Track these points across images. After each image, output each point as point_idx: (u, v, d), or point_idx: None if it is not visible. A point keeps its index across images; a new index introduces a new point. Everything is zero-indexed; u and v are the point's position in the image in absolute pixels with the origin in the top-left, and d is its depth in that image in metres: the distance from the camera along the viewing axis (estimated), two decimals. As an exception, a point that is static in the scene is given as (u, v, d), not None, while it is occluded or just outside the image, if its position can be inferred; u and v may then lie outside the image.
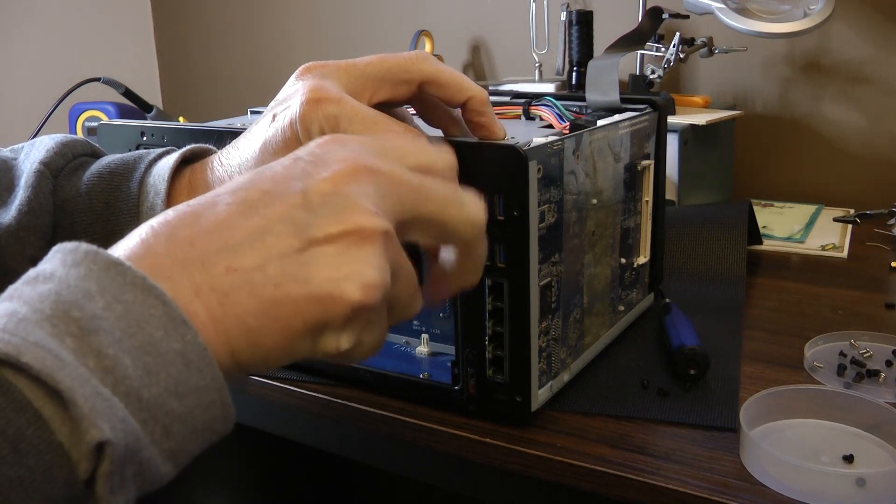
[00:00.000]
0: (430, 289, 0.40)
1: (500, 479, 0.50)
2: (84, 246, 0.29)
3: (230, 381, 0.30)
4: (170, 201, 0.44)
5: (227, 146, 0.45)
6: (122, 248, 0.31)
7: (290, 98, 0.42)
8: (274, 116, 0.42)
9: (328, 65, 0.44)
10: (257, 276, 0.31)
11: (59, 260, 0.29)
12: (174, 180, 0.45)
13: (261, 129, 0.43)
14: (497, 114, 0.62)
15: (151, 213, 0.44)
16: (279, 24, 1.57)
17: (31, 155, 0.48)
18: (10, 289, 0.28)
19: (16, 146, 0.51)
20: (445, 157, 0.39)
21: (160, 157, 0.46)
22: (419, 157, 0.37)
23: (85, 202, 0.46)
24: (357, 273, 0.32)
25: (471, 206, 0.37)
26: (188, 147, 0.47)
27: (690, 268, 0.77)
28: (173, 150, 0.47)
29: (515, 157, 0.45)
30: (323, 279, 0.31)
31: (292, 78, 0.44)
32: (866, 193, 1.06)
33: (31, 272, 0.29)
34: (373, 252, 0.32)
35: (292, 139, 0.41)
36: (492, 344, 0.49)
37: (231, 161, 0.44)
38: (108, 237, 0.45)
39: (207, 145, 0.48)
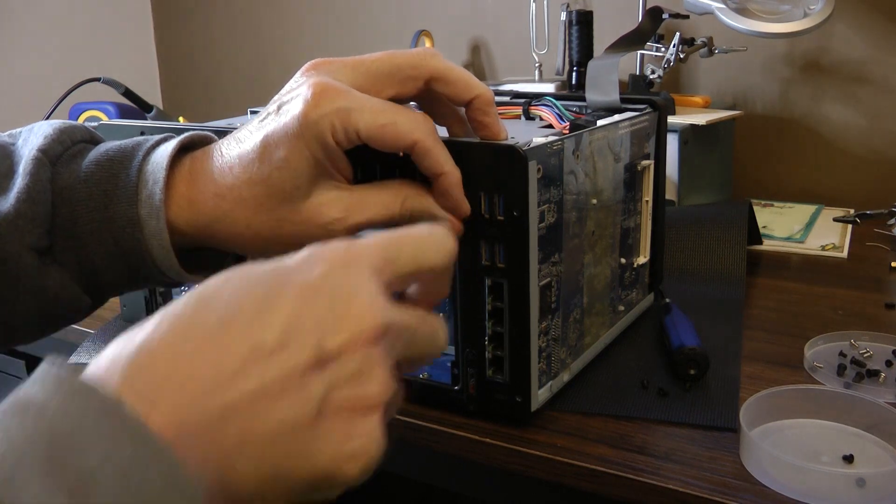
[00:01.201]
0: None
1: (500, 479, 0.50)
2: (79, 382, 0.26)
3: None
4: (168, 189, 0.44)
5: (227, 136, 0.45)
6: (130, 392, 0.27)
7: (296, 91, 0.42)
8: (279, 108, 0.42)
9: (335, 61, 0.44)
10: (268, 451, 0.29)
11: (53, 386, 0.26)
12: (173, 168, 0.45)
13: (264, 122, 0.43)
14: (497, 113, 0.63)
15: (150, 201, 0.44)
16: (279, 24, 1.57)
17: (29, 141, 0.48)
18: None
19: (14, 131, 0.50)
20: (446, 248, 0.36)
21: (158, 143, 0.46)
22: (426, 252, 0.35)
23: (83, 190, 0.45)
24: (361, 452, 0.31)
25: (445, 240, 0.36)
26: (187, 134, 0.46)
27: (690, 268, 0.77)
28: (172, 137, 0.46)
29: (515, 157, 0.45)
30: (327, 458, 0.30)
31: (298, 74, 0.44)
32: (866, 193, 1.06)
33: (22, 396, 0.26)
34: (378, 423, 0.31)
35: (295, 134, 0.41)
36: (492, 344, 0.49)
37: (231, 152, 0.44)
38: (107, 224, 0.44)
39: (207, 132, 0.48)
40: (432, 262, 0.35)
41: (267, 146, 0.42)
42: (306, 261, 0.31)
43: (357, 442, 0.30)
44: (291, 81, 0.44)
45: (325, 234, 0.43)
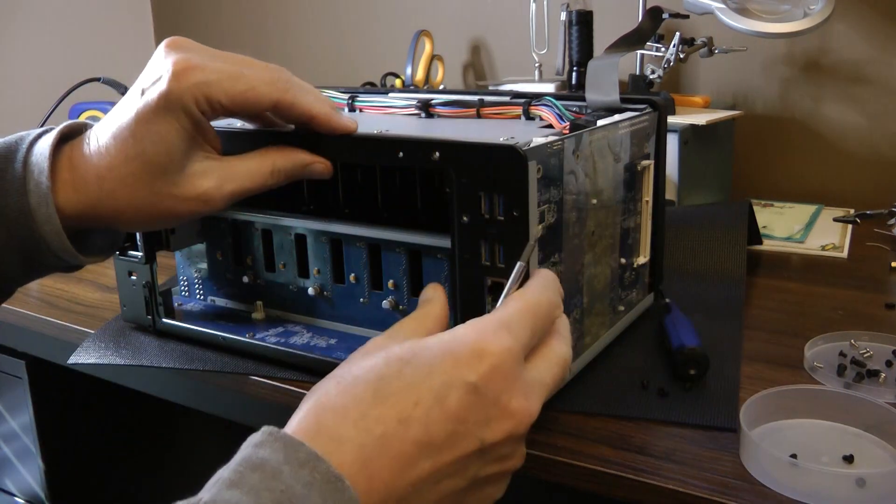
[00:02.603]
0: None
1: (500, 479, 0.50)
2: (307, 448, 0.33)
3: None
4: (53, 176, 0.46)
5: (100, 122, 0.48)
6: (336, 459, 0.33)
7: (158, 70, 0.46)
8: (143, 91, 0.46)
9: (192, 42, 0.48)
10: None
11: (282, 452, 0.32)
12: (56, 156, 0.47)
13: (131, 103, 0.46)
14: (497, 114, 0.63)
15: (38, 190, 0.46)
16: (278, 24, 1.57)
17: None
18: (235, 472, 0.32)
19: None
20: None
21: (40, 136, 0.48)
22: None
23: None
24: (492, 500, 0.39)
25: (556, 288, 0.44)
26: (66, 124, 0.49)
27: (690, 268, 0.77)
28: (52, 129, 0.49)
29: (515, 158, 0.45)
30: None
31: (158, 51, 0.47)
32: (866, 193, 1.06)
33: (255, 456, 0.32)
34: (507, 482, 0.40)
35: (164, 108, 0.45)
36: (492, 344, 0.49)
37: (105, 134, 0.47)
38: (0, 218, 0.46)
39: (85, 122, 0.50)
40: (555, 316, 0.43)
41: (139, 123, 0.45)
42: (475, 354, 0.37)
43: (493, 495, 0.39)
44: (152, 60, 0.47)
45: (202, 204, 0.48)
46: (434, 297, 0.46)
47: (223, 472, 0.32)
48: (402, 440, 0.35)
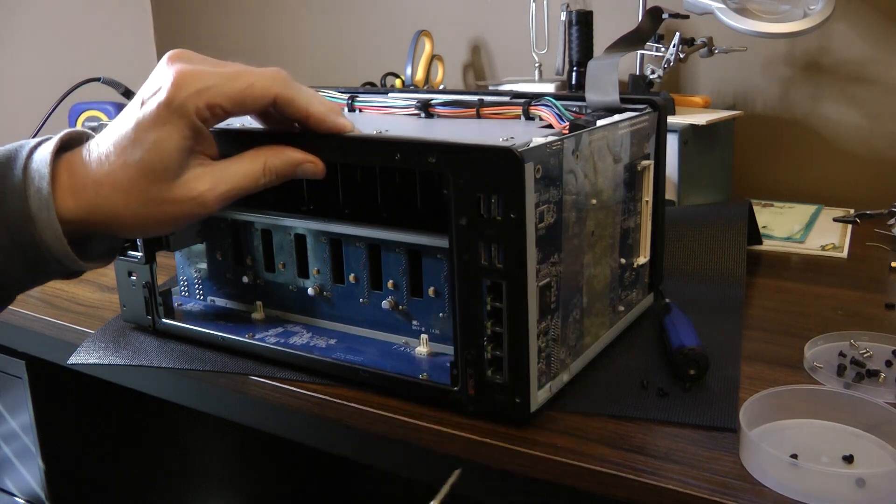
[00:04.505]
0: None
1: (500, 479, 0.50)
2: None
3: None
4: (53, 182, 0.47)
5: (101, 131, 0.49)
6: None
7: (159, 82, 0.48)
8: (145, 100, 0.48)
9: (192, 53, 0.50)
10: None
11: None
12: (56, 163, 0.48)
13: (132, 113, 0.48)
14: (497, 114, 0.63)
15: (38, 196, 0.47)
16: (279, 24, 1.57)
17: None
18: None
19: None
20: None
21: (40, 143, 0.49)
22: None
23: None
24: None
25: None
26: (65, 132, 0.50)
27: (690, 268, 0.77)
28: (52, 137, 0.50)
29: (512, 159, 0.45)
30: None
31: (161, 63, 0.49)
32: (866, 193, 1.06)
33: None
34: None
35: (163, 119, 0.47)
36: (491, 344, 0.49)
37: (106, 142, 0.48)
38: (1, 223, 0.47)
39: (85, 130, 0.52)
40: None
41: (138, 131, 0.47)
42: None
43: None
44: (154, 72, 0.49)
45: (198, 207, 0.49)
46: None
47: None
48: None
